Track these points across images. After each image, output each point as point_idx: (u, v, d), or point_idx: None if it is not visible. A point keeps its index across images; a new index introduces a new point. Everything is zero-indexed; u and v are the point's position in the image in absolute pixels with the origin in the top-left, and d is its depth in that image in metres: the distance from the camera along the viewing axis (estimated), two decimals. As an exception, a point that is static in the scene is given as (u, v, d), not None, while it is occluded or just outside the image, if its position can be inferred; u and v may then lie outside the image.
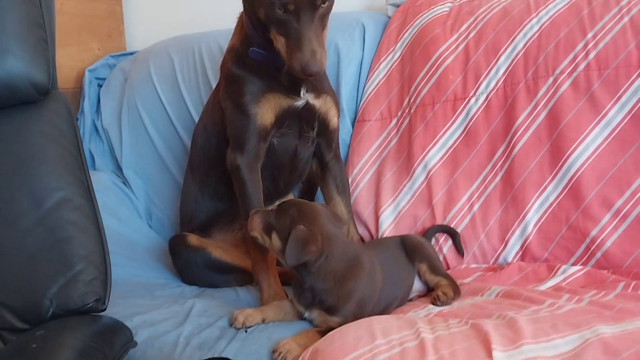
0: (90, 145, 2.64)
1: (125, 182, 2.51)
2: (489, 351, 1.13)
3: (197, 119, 2.37)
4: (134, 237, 2.23)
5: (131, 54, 2.80)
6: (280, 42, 1.53)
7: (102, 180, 2.43)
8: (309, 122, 1.76)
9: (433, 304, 1.56)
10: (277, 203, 1.61)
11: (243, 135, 1.66)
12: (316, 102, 1.75)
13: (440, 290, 1.58)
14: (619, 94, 1.83)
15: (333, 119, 1.82)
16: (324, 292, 1.40)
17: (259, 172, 1.70)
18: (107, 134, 2.60)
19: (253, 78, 1.68)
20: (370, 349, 1.21)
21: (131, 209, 2.41)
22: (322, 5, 1.50)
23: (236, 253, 1.89)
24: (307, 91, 1.72)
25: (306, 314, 1.46)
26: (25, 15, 1.29)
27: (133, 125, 2.52)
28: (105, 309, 1.30)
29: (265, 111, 1.66)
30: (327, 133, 1.82)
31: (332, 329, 1.33)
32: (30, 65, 1.30)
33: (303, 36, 1.46)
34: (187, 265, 1.89)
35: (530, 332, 1.20)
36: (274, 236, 1.41)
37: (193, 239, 1.87)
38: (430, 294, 1.63)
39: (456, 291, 1.58)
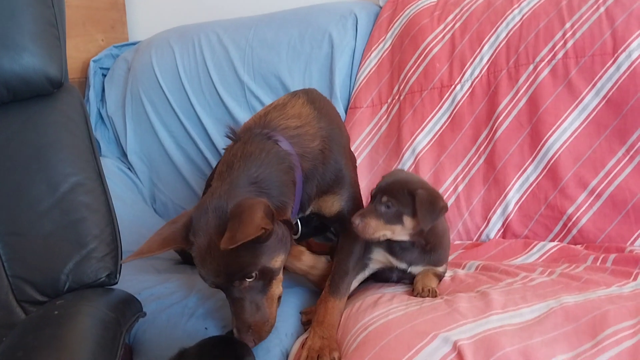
0: (96, 133, 2.74)
1: (131, 167, 2.62)
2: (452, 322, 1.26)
3: (197, 107, 2.49)
4: (140, 219, 2.35)
5: (133, 44, 2.90)
6: None
7: (108, 166, 2.53)
8: None
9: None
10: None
11: None
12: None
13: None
14: (594, 81, 1.94)
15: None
16: (437, 246, 1.52)
17: None
18: (112, 121, 2.71)
19: None
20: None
21: (136, 194, 2.52)
22: (247, 280, 1.34)
23: None
24: None
25: (409, 269, 1.55)
26: (39, 16, 1.40)
27: (136, 113, 2.62)
28: (116, 283, 1.42)
29: None
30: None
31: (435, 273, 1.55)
32: (45, 61, 1.41)
33: None
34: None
35: (500, 303, 1.33)
36: (405, 218, 1.44)
37: None
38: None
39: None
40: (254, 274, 1.32)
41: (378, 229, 1.43)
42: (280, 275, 1.42)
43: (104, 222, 1.45)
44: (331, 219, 1.64)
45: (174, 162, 2.52)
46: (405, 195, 1.42)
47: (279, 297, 1.43)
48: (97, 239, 1.42)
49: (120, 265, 1.42)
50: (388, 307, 1.40)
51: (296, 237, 1.56)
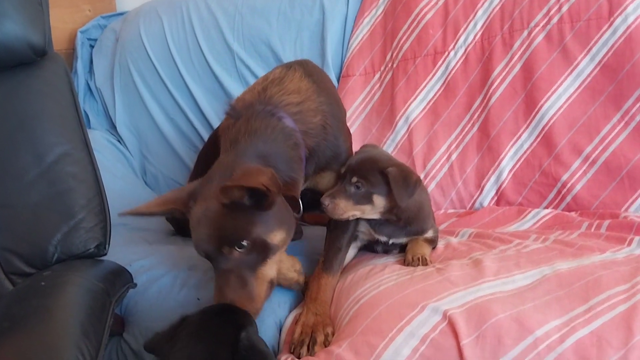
0: (84, 105, 2.68)
1: (120, 140, 2.58)
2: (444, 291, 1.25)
3: (187, 77, 2.44)
4: (130, 192, 2.32)
5: (121, 14, 2.83)
6: None
7: (97, 139, 2.49)
8: None
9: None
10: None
11: None
12: None
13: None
14: (590, 46, 1.91)
15: None
16: (411, 219, 1.50)
17: None
18: (101, 93, 2.65)
19: None
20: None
21: (126, 166, 2.49)
22: (238, 250, 1.29)
23: None
24: None
25: (391, 240, 1.54)
26: (20, -19, 1.36)
27: (125, 85, 2.57)
28: (106, 254, 1.41)
29: None
30: None
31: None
32: (27, 28, 1.37)
33: None
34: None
35: (493, 270, 1.32)
36: (376, 197, 1.43)
37: None
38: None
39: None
40: (245, 243, 1.26)
41: (347, 210, 1.42)
42: (278, 257, 1.36)
43: (91, 193, 1.43)
44: (324, 189, 1.61)
45: (163, 133, 2.48)
46: (376, 175, 1.41)
47: (272, 283, 1.36)
48: (85, 209, 1.40)
49: (110, 235, 1.40)
50: (379, 278, 1.39)
51: (298, 215, 1.50)
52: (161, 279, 1.57)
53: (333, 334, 1.31)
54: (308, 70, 1.58)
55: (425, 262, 1.43)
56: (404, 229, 1.52)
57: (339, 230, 1.53)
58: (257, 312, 1.30)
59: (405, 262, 1.46)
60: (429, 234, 1.56)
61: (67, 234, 1.37)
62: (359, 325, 1.23)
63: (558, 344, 1.08)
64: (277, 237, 1.32)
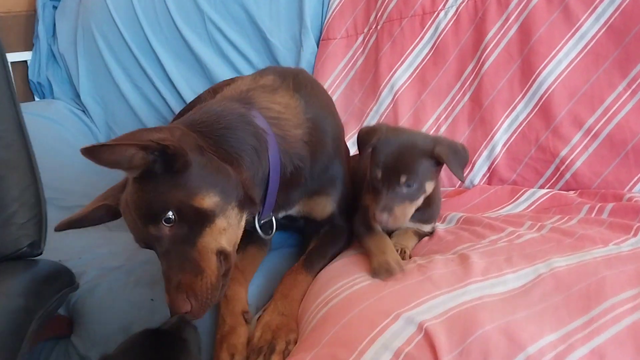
0: (47, 72, 2.53)
1: (85, 110, 2.41)
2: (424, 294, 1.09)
3: (154, 41, 2.26)
4: (93, 170, 2.11)
5: (85, -29, 2.62)
6: None
7: (59, 110, 2.34)
8: None
9: None
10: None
11: None
12: None
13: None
14: (594, 4, 1.72)
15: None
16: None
17: None
18: (64, 59, 2.48)
19: None
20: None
21: (91, 139, 2.32)
22: (166, 225, 1.13)
23: None
24: None
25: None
26: None
27: (88, 50, 2.40)
28: (41, 253, 1.24)
29: None
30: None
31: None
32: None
33: None
34: None
35: (481, 267, 1.15)
36: (428, 184, 1.26)
37: None
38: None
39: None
40: (171, 215, 1.09)
41: (408, 214, 1.25)
42: (221, 225, 1.16)
43: (25, 182, 1.24)
44: (322, 222, 1.45)
45: (130, 104, 2.32)
46: (423, 162, 1.23)
47: (224, 253, 1.16)
48: (17, 201, 1.22)
49: (46, 231, 1.23)
50: (354, 275, 1.22)
51: (270, 235, 1.36)
52: (113, 274, 1.43)
53: (295, 342, 1.16)
54: (298, 83, 1.43)
55: (403, 256, 1.27)
56: (416, 214, 1.32)
57: (328, 239, 1.40)
58: (214, 288, 1.13)
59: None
60: (429, 227, 1.41)
61: (-4, 230, 1.19)
62: (325, 334, 1.07)
63: (554, 364, 0.93)
64: (206, 200, 1.13)
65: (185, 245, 1.11)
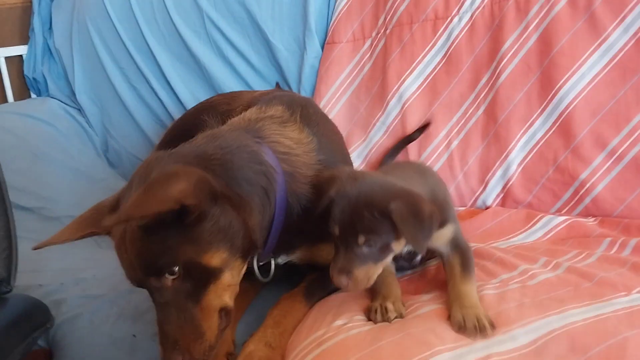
0: (43, 68, 2.44)
1: (81, 109, 2.31)
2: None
3: (150, 39, 2.17)
4: (87, 173, 2.08)
5: (82, -38, 2.51)
6: None
7: (52, 109, 2.26)
8: None
9: None
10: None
11: None
12: None
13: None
14: (623, 14, 1.59)
15: None
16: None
17: None
18: (60, 55, 2.40)
19: None
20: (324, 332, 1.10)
21: (85, 141, 2.24)
22: (171, 278, 1.06)
23: None
24: None
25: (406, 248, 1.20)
26: None
27: (84, 46, 2.31)
28: (10, 290, 1.14)
29: None
30: None
31: None
32: None
33: None
34: None
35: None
36: (395, 244, 1.09)
37: None
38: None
39: None
40: (175, 270, 1.02)
41: (372, 275, 1.09)
42: (226, 281, 1.10)
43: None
44: (324, 266, 1.32)
45: (125, 104, 2.24)
46: (383, 220, 1.05)
47: (226, 310, 1.11)
48: (-18, 235, 1.13)
49: (16, 266, 1.14)
50: (351, 315, 1.13)
51: (267, 279, 1.27)
52: (96, 303, 1.37)
53: None
54: (308, 116, 1.36)
55: (484, 329, 1.04)
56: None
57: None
58: (211, 348, 1.07)
59: (453, 324, 1.08)
60: (448, 228, 1.22)
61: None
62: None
63: None
64: (215, 257, 1.05)
65: (188, 302, 1.05)
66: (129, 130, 2.22)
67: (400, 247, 1.11)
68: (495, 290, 1.18)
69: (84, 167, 2.08)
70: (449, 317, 1.09)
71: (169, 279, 1.03)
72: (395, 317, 1.11)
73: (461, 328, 1.04)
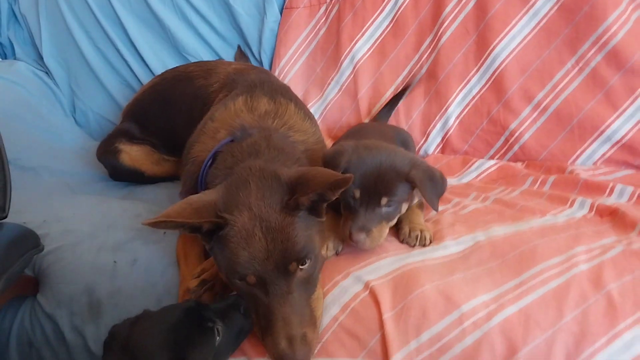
0: (8, 32, 2.46)
1: (48, 72, 2.37)
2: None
3: (116, 4, 2.21)
4: (57, 133, 2.14)
5: None
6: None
7: (21, 71, 2.29)
8: None
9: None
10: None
11: None
12: None
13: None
14: (548, -17, 1.76)
15: None
16: None
17: None
18: (26, 20, 2.41)
19: None
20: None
21: (54, 102, 2.29)
22: (301, 268, 1.07)
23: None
24: None
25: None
26: None
27: (51, 11, 2.33)
28: (5, 217, 1.26)
29: None
30: None
31: None
32: None
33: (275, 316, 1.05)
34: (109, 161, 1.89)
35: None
36: (404, 205, 1.25)
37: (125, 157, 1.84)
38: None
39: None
40: (311, 258, 1.07)
41: (383, 234, 1.22)
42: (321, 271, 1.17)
43: (-14, 146, 1.25)
44: None
45: (91, 67, 2.28)
46: (403, 184, 1.21)
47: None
48: (-22, 167, 1.23)
49: (10, 196, 1.25)
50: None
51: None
52: (78, 237, 1.44)
53: None
54: (295, 100, 1.52)
55: (424, 239, 1.24)
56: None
57: None
58: (318, 339, 1.09)
59: (400, 238, 1.27)
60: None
61: (-43, 196, 1.21)
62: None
63: (485, 321, 1.02)
64: (326, 250, 1.20)
65: (307, 292, 1.09)
66: (96, 92, 2.28)
67: (406, 208, 1.27)
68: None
69: (53, 128, 2.14)
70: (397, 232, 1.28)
71: (301, 269, 1.06)
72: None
73: (405, 239, 1.24)
